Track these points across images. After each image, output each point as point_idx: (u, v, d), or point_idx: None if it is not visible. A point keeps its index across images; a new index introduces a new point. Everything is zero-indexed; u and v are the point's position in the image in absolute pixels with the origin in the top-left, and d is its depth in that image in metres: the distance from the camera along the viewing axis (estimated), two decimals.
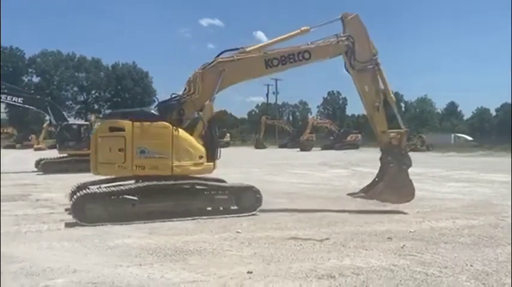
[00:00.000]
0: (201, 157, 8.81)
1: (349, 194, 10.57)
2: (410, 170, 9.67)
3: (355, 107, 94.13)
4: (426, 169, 20.21)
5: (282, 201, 10.89)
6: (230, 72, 9.28)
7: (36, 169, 20.48)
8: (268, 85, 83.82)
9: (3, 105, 57.62)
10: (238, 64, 9.37)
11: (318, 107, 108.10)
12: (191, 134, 8.95)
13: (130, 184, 8.64)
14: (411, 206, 9.49)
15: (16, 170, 20.61)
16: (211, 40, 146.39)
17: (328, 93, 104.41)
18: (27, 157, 28.77)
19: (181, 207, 8.57)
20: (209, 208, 8.91)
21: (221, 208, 8.96)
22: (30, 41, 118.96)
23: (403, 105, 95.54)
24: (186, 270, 5.28)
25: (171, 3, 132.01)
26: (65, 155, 21.04)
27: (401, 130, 9.76)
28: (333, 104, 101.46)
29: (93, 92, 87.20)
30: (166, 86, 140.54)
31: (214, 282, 4.83)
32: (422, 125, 75.18)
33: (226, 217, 8.53)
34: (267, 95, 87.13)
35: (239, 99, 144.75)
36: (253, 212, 8.90)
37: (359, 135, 56.55)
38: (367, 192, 9.93)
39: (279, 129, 66.86)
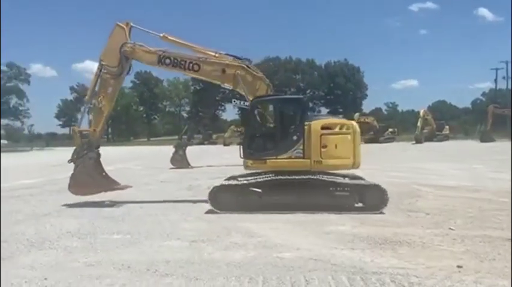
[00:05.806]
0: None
1: None
2: None
3: None
4: None
5: (505, 200, 9.89)
6: None
7: None
8: (496, 69, 73.27)
9: (236, 109, 67.64)
10: None
11: None
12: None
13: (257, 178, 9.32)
14: None
15: None
16: (424, 25, 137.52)
17: None
18: None
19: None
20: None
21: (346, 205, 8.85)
22: (255, 50, 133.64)
23: None
24: (394, 258, 5.68)
25: None
26: None
27: None
28: None
29: (308, 91, 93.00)
30: (379, 78, 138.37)
31: (423, 271, 5.09)
32: None
33: (439, 215, 8.41)
34: (496, 80, 76.21)
35: (460, 87, 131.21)
36: (380, 211, 8.60)
37: None
38: None
39: None
